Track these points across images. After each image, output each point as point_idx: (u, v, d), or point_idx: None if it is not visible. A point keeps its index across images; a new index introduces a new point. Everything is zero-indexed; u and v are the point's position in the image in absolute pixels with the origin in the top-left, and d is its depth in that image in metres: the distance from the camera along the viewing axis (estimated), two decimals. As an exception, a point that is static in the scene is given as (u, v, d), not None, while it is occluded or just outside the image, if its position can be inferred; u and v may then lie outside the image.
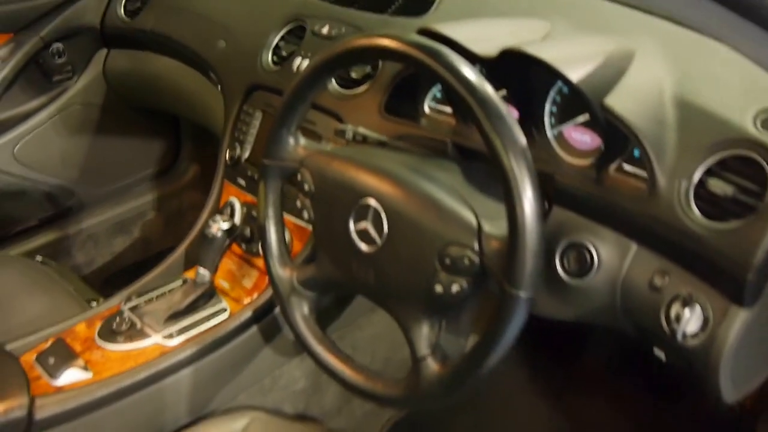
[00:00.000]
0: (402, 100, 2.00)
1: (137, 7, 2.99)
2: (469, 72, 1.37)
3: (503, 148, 1.31)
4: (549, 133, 1.78)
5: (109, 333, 1.98)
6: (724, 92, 1.50)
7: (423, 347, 1.53)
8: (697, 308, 1.41)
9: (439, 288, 1.46)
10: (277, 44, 2.40)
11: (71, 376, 1.85)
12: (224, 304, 2.09)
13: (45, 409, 1.76)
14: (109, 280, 3.35)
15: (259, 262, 2.11)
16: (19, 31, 2.90)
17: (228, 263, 2.25)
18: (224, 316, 2.06)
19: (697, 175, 1.43)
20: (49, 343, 1.95)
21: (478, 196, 1.55)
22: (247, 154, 2.35)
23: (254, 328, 2.08)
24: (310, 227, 1.82)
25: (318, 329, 1.76)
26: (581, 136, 1.73)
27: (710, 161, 1.43)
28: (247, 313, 2.06)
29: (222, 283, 2.20)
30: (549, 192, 1.65)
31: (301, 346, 1.77)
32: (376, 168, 1.62)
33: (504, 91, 1.85)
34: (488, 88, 1.36)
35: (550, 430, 2.81)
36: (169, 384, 1.94)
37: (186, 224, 2.43)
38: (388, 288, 1.60)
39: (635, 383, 2.82)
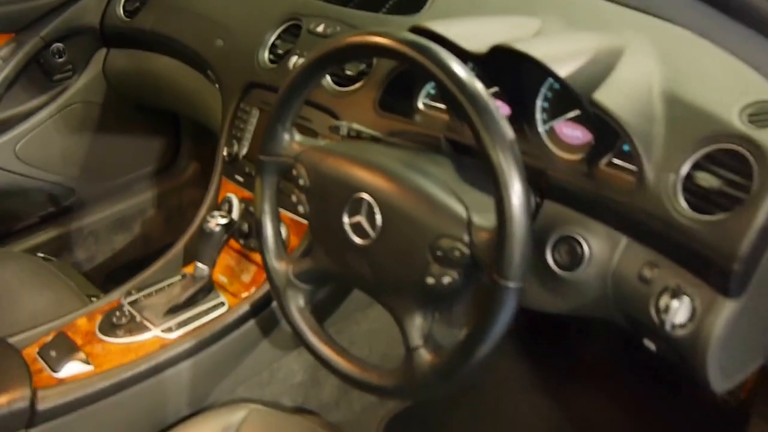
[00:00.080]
0: (396, 96, 2.01)
1: (136, 7, 3.00)
2: (459, 68, 1.38)
3: (491, 142, 1.32)
4: (540, 128, 1.79)
5: (109, 327, 1.99)
6: (711, 88, 1.51)
7: (416, 338, 1.54)
8: (686, 299, 1.42)
9: (431, 279, 1.47)
10: (273, 43, 2.41)
11: (72, 368, 1.86)
12: (222, 298, 2.10)
13: (47, 401, 1.77)
14: (110, 276, 3.36)
15: (257, 257, 2.12)
16: (20, 31, 2.90)
17: (226, 258, 2.26)
18: (222, 309, 2.07)
19: (684, 169, 1.44)
20: (51, 336, 1.96)
21: (469, 189, 1.56)
22: (244, 151, 2.36)
23: (252, 322, 2.09)
24: (306, 222, 1.82)
25: (314, 321, 1.77)
26: (572, 132, 1.74)
27: (698, 155, 1.44)
28: (245, 307, 2.07)
29: (220, 277, 2.21)
30: (541, 186, 1.67)
31: (297, 338, 1.78)
32: (369, 163, 1.63)
33: (496, 88, 1.87)
34: (477, 84, 1.37)
35: (548, 423, 2.82)
36: (168, 376, 1.94)
37: (186, 221, 2.43)
38: (381, 280, 1.61)
39: (632, 376, 2.83)
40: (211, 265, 2.07)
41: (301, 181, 1.71)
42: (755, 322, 1.48)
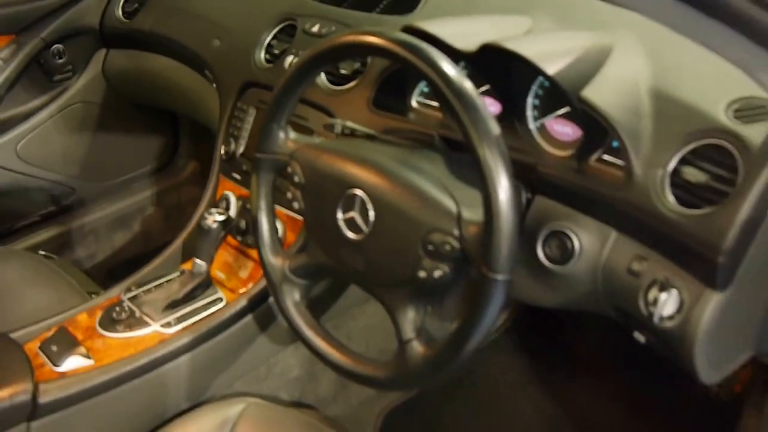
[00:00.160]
0: (390, 95, 2.02)
1: (135, 8, 3.00)
2: (448, 67, 1.40)
3: (478, 138, 1.34)
4: (531, 125, 1.80)
5: (109, 322, 2.00)
6: (698, 84, 1.52)
7: (409, 331, 1.55)
8: (674, 292, 1.43)
9: (422, 273, 1.49)
10: (269, 43, 2.42)
11: (73, 362, 1.87)
12: (220, 293, 2.11)
13: (48, 394, 1.79)
14: (110, 273, 3.36)
15: (255, 254, 2.12)
16: (20, 32, 2.91)
17: (224, 255, 2.27)
18: (220, 305, 2.08)
19: (672, 164, 1.46)
20: (52, 331, 1.97)
21: (460, 184, 1.57)
22: (241, 150, 2.37)
23: (249, 317, 2.10)
24: (301, 218, 1.83)
25: (309, 315, 1.78)
26: (563, 128, 1.75)
27: (685, 150, 1.45)
28: (242, 303, 2.08)
29: (218, 273, 2.21)
30: (532, 182, 1.68)
31: (292, 332, 1.79)
32: (362, 159, 1.64)
33: (487, 86, 1.88)
34: (465, 82, 1.39)
35: (544, 417, 2.82)
36: (167, 370, 1.96)
37: (185, 218, 2.44)
38: (374, 274, 1.62)
39: (628, 370, 2.84)
40: (209, 262, 2.08)
41: (296, 178, 1.72)
42: (742, 314, 1.49)
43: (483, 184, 1.34)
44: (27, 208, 3.18)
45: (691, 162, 1.44)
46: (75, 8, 3.00)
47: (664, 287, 1.45)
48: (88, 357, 1.89)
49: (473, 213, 1.44)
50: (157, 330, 1.99)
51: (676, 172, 1.45)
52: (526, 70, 1.58)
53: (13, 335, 1.95)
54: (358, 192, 1.59)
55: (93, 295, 2.27)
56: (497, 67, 1.76)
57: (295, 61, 2.23)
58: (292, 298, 1.78)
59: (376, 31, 1.49)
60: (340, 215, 1.63)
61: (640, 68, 1.60)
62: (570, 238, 1.59)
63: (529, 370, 2.99)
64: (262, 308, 2.11)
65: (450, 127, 1.84)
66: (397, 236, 1.54)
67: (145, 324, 2.00)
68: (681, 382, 2.07)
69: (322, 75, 2.19)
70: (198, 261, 2.07)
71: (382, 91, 2.02)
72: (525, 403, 2.87)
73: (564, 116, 1.74)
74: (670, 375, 1.68)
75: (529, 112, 1.80)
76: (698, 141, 1.44)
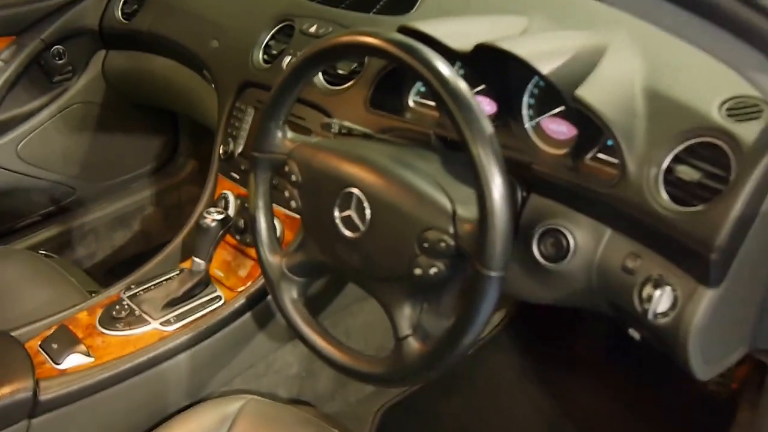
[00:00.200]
0: (387, 95, 2.02)
1: (134, 9, 3.00)
2: (442, 66, 1.40)
3: (471, 136, 1.35)
4: (527, 124, 1.81)
5: (109, 320, 2.00)
6: (691, 83, 1.53)
7: (405, 327, 1.56)
8: (667, 289, 1.44)
9: (418, 270, 1.49)
10: (267, 43, 2.42)
11: (74, 360, 1.87)
12: (219, 292, 2.11)
13: (49, 391, 1.79)
14: (110, 272, 3.36)
15: (253, 253, 2.11)
16: (20, 33, 2.91)
17: (223, 254, 2.27)
18: (219, 303, 2.09)
19: (665, 162, 1.46)
20: (53, 329, 1.98)
21: (455, 182, 1.58)
22: (240, 149, 2.37)
23: (248, 315, 2.11)
24: (299, 217, 1.84)
25: (306, 312, 1.79)
26: (558, 127, 1.75)
27: (678, 149, 1.46)
28: (241, 301, 2.09)
29: (217, 272, 2.22)
30: (527, 180, 1.68)
31: (290, 329, 1.80)
32: (359, 158, 1.65)
33: (483, 86, 1.89)
34: (460, 82, 1.39)
35: (541, 414, 2.83)
36: (166, 368, 1.96)
37: (184, 218, 2.44)
38: (371, 271, 1.63)
39: (625, 367, 2.85)
40: (208, 260, 2.08)
41: (293, 177, 1.73)
42: (736, 311, 1.50)
43: (476, 182, 1.34)
44: (27, 207, 3.18)
45: (685, 160, 1.45)
46: (75, 9, 3.00)
47: (658, 284, 1.46)
48: (89, 355, 1.89)
49: (468, 211, 1.44)
50: (157, 328, 1.99)
51: (669, 170, 1.46)
52: (522, 69, 1.58)
53: (14, 333, 1.95)
54: (355, 190, 1.59)
55: (93, 294, 2.27)
56: (493, 66, 1.77)
57: (292, 61, 2.24)
58: (290, 295, 1.79)
59: (372, 32, 1.50)
60: (336, 213, 1.63)
61: (635, 67, 1.60)
62: (565, 236, 1.60)
63: (527, 368, 3.00)
64: (260, 306, 2.12)
65: (446, 126, 1.85)
66: (393, 234, 1.55)
67: (145, 322, 2.00)
68: (678, 379, 2.07)
69: (320, 75, 2.19)
70: (197, 259, 2.07)
71: (379, 91, 2.03)
72: (522, 401, 2.88)
73: (559, 115, 1.75)
74: (668, 372, 1.68)
75: (525, 111, 1.81)
76: (692, 139, 1.44)
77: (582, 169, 1.63)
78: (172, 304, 2.04)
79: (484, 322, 1.42)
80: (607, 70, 1.59)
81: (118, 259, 3.43)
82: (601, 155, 1.63)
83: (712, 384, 2.67)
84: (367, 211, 1.58)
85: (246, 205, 2.25)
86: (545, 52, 1.59)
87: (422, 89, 2.02)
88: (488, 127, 1.36)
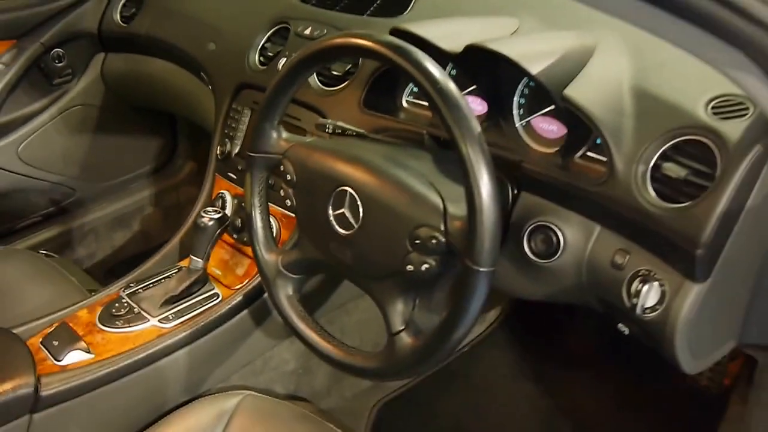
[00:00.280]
0: (381, 95, 2.04)
1: (132, 12, 3.01)
2: (432, 67, 1.41)
3: (461, 135, 1.36)
4: (518, 123, 1.82)
5: (109, 317, 2.01)
6: (678, 83, 1.54)
7: (398, 323, 1.57)
8: (655, 284, 1.45)
9: (410, 267, 1.50)
10: (263, 45, 2.43)
11: (74, 357, 1.88)
12: (216, 289, 2.12)
13: (50, 387, 1.80)
14: (110, 271, 3.36)
15: (250, 251, 2.11)
16: (21, 37, 2.91)
17: (220, 252, 2.28)
18: (216, 300, 2.09)
19: (653, 160, 1.48)
20: (54, 327, 1.99)
21: (447, 181, 1.59)
22: (237, 150, 2.38)
23: (245, 312, 2.12)
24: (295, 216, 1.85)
25: (301, 309, 1.80)
26: (548, 126, 1.76)
27: (665, 146, 1.47)
28: (238, 298, 2.10)
29: (215, 270, 2.22)
30: (518, 178, 1.69)
31: (285, 325, 1.81)
32: (352, 157, 1.66)
33: (474, 86, 1.90)
34: (449, 82, 1.40)
35: (536, 410, 2.83)
36: (165, 364, 1.97)
37: (183, 218, 2.44)
38: (364, 268, 1.64)
39: (619, 364, 2.85)
40: (206, 259, 2.08)
41: (288, 177, 1.74)
42: (723, 305, 1.51)
43: (465, 180, 1.36)
44: (28, 208, 3.18)
45: (672, 158, 1.46)
46: (74, 13, 3.00)
47: (646, 279, 1.47)
48: (89, 351, 1.90)
49: (458, 208, 1.45)
50: (155, 325, 2.00)
51: (657, 167, 1.47)
52: (512, 70, 1.59)
53: (16, 331, 1.96)
54: (348, 189, 1.60)
55: (93, 293, 2.28)
56: (483, 67, 1.78)
57: (287, 62, 2.25)
58: (286, 292, 1.80)
59: (365, 34, 1.51)
60: (330, 211, 1.64)
61: (623, 67, 1.62)
62: (555, 233, 1.61)
63: (522, 364, 3.00)
64: (257, 304, 2.13)
65: (439, 125, 1.86)
66: (385, 231, 1.56)
67: (144, 319, 2.01)
68: (672, 375, 2.08)
69: (315, 76, 2.20)
70: (195, 258, 2.08)
71: (373, 92, 2.04)
72: (518, 397, 2.88)
73: (549, 114, 1.76)
74: (662, 368, 1.69)
75: (515, 111, 1.82)
76: (678, 137, 1.46)
77: (572, 167, 1.64)
78: (171, 301, 2.05)
79: (475, 317, 1.43)
80: (596, 70, 1.61)
81: (118, 259, 3.43)
82: (590, 153, 1.64)
83: (704, 379, 2.67)
84: (360, 210, 1.59)
85: (243, 204, 2.26)
86: (535, 52, 1.61)
87: (415, 90, 2.03)
88: (476, 127, 1.37)
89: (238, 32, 2.51)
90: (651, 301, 1.46)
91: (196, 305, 2.07)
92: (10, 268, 2.49)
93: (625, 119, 1.53)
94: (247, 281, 2.15)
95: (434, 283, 1.57)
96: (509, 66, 1.58)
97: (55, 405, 1.82)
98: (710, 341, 1.56)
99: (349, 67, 2.15)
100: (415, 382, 2.87)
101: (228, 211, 2.30)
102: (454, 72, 1.96)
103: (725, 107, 1.45)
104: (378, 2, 2.27)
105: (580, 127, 1.58)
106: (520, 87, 1.82)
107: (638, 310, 1.46)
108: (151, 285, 2.14)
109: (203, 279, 2.11)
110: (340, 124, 1.94)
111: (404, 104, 2.03)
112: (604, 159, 1.55)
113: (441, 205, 1.48)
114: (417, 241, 1.49)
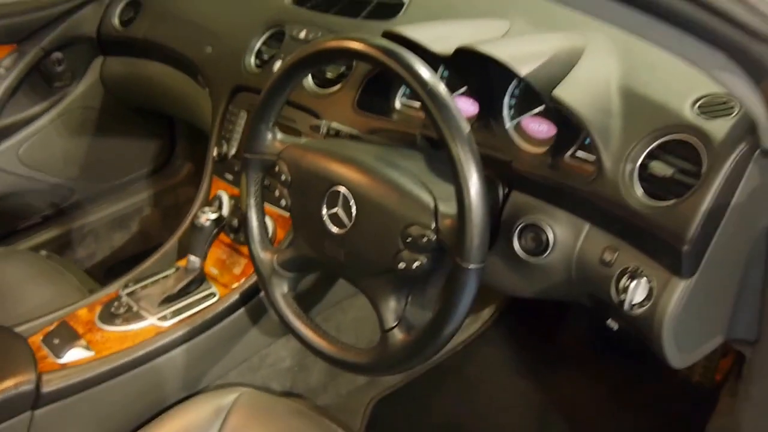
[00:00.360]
0: (375, 97, 2.04)
1: (131, 16, 3.01)
2: (422, 69, 1.43)
3: (450, 135, 1.37)
4: (508, 124, 1.82)
5: (108, 316, 2.02)
6: (665, 83, 1.56)
7: (390, 319, 1.58)
8: (643, 280, 1.47)
9: (402, 264, 1.51)
10: (259, 49, 2.44)
11: (74, 354, 1.89)
12: (213, 288, 2.13)
13: (51, 384, 1.81)
14: (110, 272, 3.36)
15: (247, 251, 2.14)
16: (21, 41, 2.91)
17: (217, 252, 2.28)
18: (213, 299, 2.10)
19: (640, 159, 1.49)
20: (54, 326, 1.99)
21: (438, 180, 1.60)
22: (233, 151, 2.38)
23: (241, 310, 2.12)
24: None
25: (296, 306, 1.81)
26: (538, 126, 1.77)
27: (652, 146, 1.49)
28: (235, 297, 2.10)
29: (212, 269, 2.23)
30: (508, 178, 1.70)
31: (281, 322, 1.82)
32: (345, 158, 1.67)
33: (465, 87, 1.90)
34: (439, 84, 1.42)
35: (530, 406, 2.83)
36: (163, 361, 1.98)
37: (181, 218, 2.45)
38: (357, 265, 1.65)
39: (610, 359, 2.86)
40: (203, 258, 2.09)
41: (283, 177, 1.74)
42: (710, 301, 1.52)
43: (455, 179, 1.37)
44: (29, 209, 3.18)
45: (658, 156, 1.48)
46: (73, 18, 3.00)
47: (633, 276, 1.48)
48: (89, 349, 1.91)
49: (449, 207, 1.46)
50: (154, 323, 2.01)
51: (644, 166, 1.49)
52: (502, 71, 1.60)
53: (18, 329, 1.97)
54: (342, 188, 1.61)
55: (92, 292, 2.28)
56: (474, 68, 1.79)
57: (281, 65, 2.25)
58: (281, 290, 1.81)
59: (357, 37, 1.52)
60: (324, 211, 1.65)
61: (611, 68, 1.63)
62: (545, 231, 1.63)
63: (516, 361, 3.01)
64: (253, 302, 2.13)
65: (431, 126, 1.87)
66: (378, 229, 1.57)
67: (142, 318, 2.02)
68: (665, 372, 2.09)
69: (309, 78, 2.21)
70: (192, 257, 2.09)
71: (367, 93, 2.05)
72: (512, 393, 2.89)
73: (539, 115, 1.77)
74: (654, 365, 1.70)
75: (506, 112, 1.83)
76: (665, 136, 1.47)
77: (561, 166, 1.65)
78: (169, 300, 2.05)
79: (465, 313, 1.44)
80: (585, 71, 1.62)
81: (117, 259, 3.42)
82: (579, 153, 1.65)
83: (697, 375, 2.69)
84: (353, 209, 1.60)
85: (239, 204, 2.26)
86: (524, 54, 1.62)
87: (408, 91, 2.04)
88: (465, 127, 1.38)
89: (234, 36, 2.51)
90: (639, 297, 1.47)
91: (193, 304, 2.07)
92: (12, 269, 2.49)
93: (613, 119, 1.54)
94: (243, 280, 2.16)
95: (426, 280, 1.58)
96: (499, 67, 1.59)
97: (56, 401, 1.82)
98: (697, 336, 1.57)
99: (343, 69, 2.16)
100: (410, 379, 2.88)
101: (225, 211, 2.30)
102: (446, 74, 1.97)
103: (711, 107, 1.46)
104: (372, 6, 2.27)
105: (569, 127, 1.60)
106: (510, 88, 1.83)
107: (626, 306, 1.48)
108: (149, 284, 2.14)
109: (200, 278, 2.11)
110: (334, 125, 1.96)
111: (397, 106, 2.04)
112: (593, 158, 1.57)
113: (432, 204, 1.49)
114: (409, 239, 1.50)
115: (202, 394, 1.98)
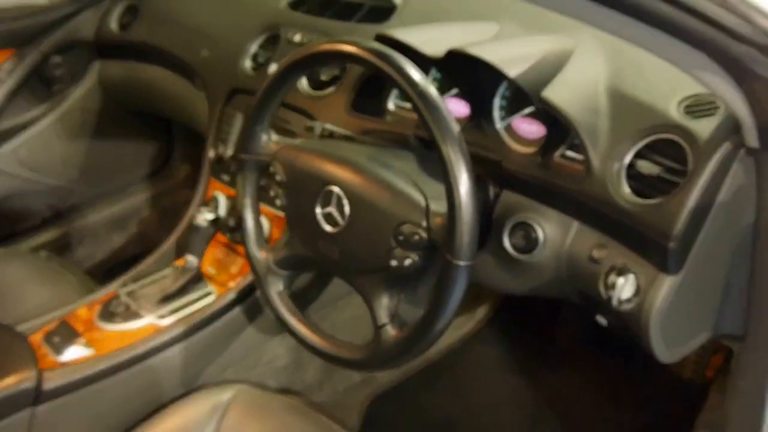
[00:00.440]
0: (368, 99, 2.05)
1: (128, 21, 3.01)
2: (413, 71, 1.45)
3: (441, 136, 1.39)
4: (498, 124, 1.83)
5: (107, 315, 2.04)
6: (652, 83, 1.57)
7: (383, 316, 1.60)
8: (630, 277, 1.48)
9: (394, 262, 1.53)
10: (255, 52, 2.44)
11: (74, 352, 1.91)
12: (210, 287, 2.14)
13: (51, 381, 1.83)
14: (109, 272, 3.34)
15: (243, 250, 2.15)
16: (20, 46, 2.91)
17: (214, 252, 2.29)
18: (211, 298, 2.12)
19: (627, 158, 1.51)
20: (55, 324, 2.01)
21: (429, 180, 1.61)
22: (230, 152, 2.38)
23: (238, 309, 2.13)
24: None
25: (291, 304, 1.81)
26: (528, 127, 1.78)
27: (639, 145, 1.50)
28: (231, 295, 2.12)
29: (209, 269, 2.24)
30: (499, 177, 1.72)
31: (276, 319, 1.83)
32: (339, 158, 1.68)
33: (456, 89, 1.92)
34: (428, 85, 1.44)
35: (524, 403, 2.84)
36: (161, 359, 1.99)
37: (179, 220, 2.45)
38: (350, 263, 1.66)
39: (602, 356, 2.87)
40: (200, 257, 2.11)
41: (278, 177, 1.75)
42: (697, 296, 1.53)
43: (445, 179, 1.39)
44: (29, 211, 3.18)
45: (646, 155, 1.49)
46: (72, 22, 3.00)
47: (621, 272, 1.50)
48: (88, 347, 1.93)
49: (440, 205, 1.47)
50: (152, 322, 2.03)
51: (631, 165, 1.50)
52: (492, 73, 1.61)
53: (19, 328, 1.98)
54: (335, 188, 1.63)
55: (92, 292, 2.29)
56: (465, 70, 1.80)
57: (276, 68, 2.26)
58: (276, 288, 1.82)
59: (350, 40, 1.53)
60: (318, 210, 1.66)
61: (599, 69, 1.64)
62: (535, 229, 1.64)
63: (510, 360, 3.02)
64: (250, 300, 2.14)
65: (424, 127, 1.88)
66: (370, 228, 1.58)
67: (141, 316, 2.03)
68: (657, 369, 2.10)
69: (304, 81, 2.21)
70: (189, 257, 2.10)
71: (360, 95, 2.06)
72: (506, 391, 2.89)
73: (529, 116, 1.78)
74: (647, 363, 1.71)
75: (496, 113, 1.84)
76: (652, 136, 1.49)
77: (551, 166, 1.66)
78: (167, 299, 2.07)
79: (455, 309, 1.46)
80: (573, 72, 1.63)
81: (116, 260, 3.42)
82: (568, 153, 1.66)
83: (688, 372, 2.70)
84: (346, 208, 1.61)
85: (235, 205, 2.27)
86: (513, 56, 1.63)
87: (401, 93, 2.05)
88: (455, 127, 1.40)
89: (230, 39, 2.52)
90: (626, 294, 1.48)
91: (191, 302, 2.09)
92: (12, 269, 2.50)
93: (601, 119, 1.56)
94: (240, 279, 2.17)
95: (418, 278, 1.59)
96: (489, 69, 1.60)
97: (57, 398, 1.84)
98: (685, 331, 1.58)
99: (336, 71, 2.17)
100: (405, 377, 2.89)
101: (221, 211, 2.30)
102: (438, 76, 1.98)
103: (697, 107, 1.47)
104: (365, 9, 2.28)
105: (558, 127, 1.61)
106: (500, 89, 1.84)
107: (614, 302, 1.49)
108: (147, 284, 2.16)
109: (198, 277, 2.13)
110: (328, 126, 1.97)
111: (390, 107, 2.04)
112: (582, 158, 1.58)
113: (423, 203, 1.51)
114: (400, 237, 1.51)
115: (199, 391, 1.99)
